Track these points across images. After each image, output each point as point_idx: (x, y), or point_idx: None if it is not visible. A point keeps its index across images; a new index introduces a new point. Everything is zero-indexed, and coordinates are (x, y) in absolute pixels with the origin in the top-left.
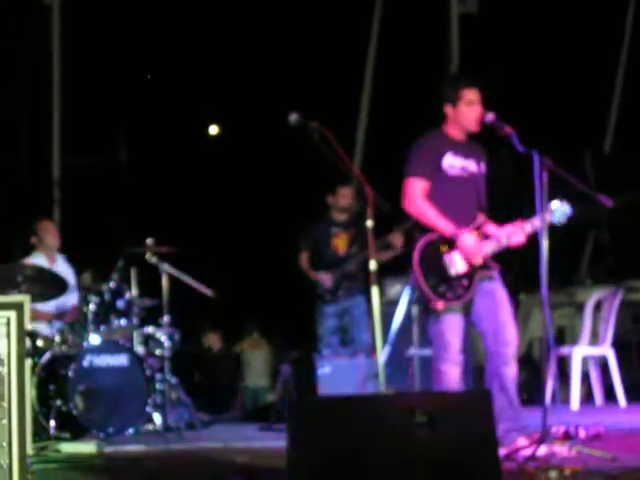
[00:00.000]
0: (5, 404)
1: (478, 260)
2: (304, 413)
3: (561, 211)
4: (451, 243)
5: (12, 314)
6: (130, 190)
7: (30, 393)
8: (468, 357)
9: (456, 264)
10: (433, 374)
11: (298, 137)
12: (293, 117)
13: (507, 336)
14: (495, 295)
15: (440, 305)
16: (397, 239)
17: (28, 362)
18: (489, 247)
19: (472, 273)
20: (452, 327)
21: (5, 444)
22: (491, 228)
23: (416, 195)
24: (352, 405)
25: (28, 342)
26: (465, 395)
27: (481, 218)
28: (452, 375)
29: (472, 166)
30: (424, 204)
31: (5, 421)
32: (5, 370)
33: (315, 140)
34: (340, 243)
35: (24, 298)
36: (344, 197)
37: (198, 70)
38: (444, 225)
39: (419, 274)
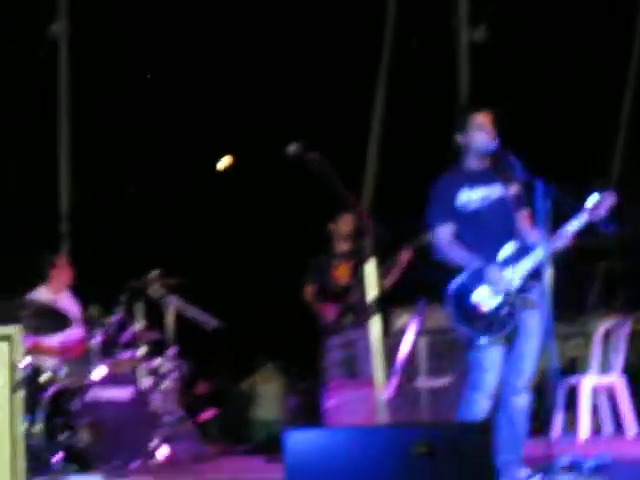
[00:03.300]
0: None
1: (509, 286)
2: (301, 444)
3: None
4: (480, 277)
5: (3, 345)
6: (137, 222)
7: (33, 427)
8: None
9: (489, 297)
10: (462, 401)
11: (297, 168)
12: (292, 148)
13: (522, 367)
14: (526, 325)
15: (486, 342)
16: (404, 256)
17: (20, 394)
18: (523, 267)
19: (511, 300)
20: (492, 359)
21: None
22: (534, 239)
23: (442, 242)
24: (350, 436)
25: (20, 373)
26: (465, 426)
27: (511, 244)
28: (482, 406)
29: (498, 190)
30: (450, 246)
31: None
32: None
33: (315, 171)
34: (342, 273)
35: (14, 330)
36: (345, 224)
37: (209, 102)
38: (469, 260)
39: (458, 320)
